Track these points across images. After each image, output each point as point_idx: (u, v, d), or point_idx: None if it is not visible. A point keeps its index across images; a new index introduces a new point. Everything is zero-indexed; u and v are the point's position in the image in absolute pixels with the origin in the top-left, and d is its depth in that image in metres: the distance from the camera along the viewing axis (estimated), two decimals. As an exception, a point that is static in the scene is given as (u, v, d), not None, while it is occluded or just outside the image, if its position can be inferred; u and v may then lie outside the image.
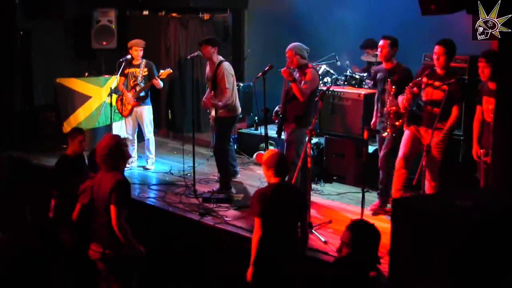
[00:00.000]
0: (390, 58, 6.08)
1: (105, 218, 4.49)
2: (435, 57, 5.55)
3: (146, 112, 7.86)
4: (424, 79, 5.59)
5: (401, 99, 5.62)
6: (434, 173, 5.57)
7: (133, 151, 7.96)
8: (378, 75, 6.22)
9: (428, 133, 5.44)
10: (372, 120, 6.34)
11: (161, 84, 7.74)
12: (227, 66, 6.77)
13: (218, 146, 6.90)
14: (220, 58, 6.84)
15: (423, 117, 5.65)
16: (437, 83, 5.53)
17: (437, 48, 5.53)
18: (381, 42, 6.09)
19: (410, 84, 5.58)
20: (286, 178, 6.15)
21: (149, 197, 6.77)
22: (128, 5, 10.02)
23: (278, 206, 4.40)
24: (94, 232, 4.62)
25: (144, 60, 7.80)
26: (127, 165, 7.95)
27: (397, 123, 5.66)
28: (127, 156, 4.75)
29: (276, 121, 6.37)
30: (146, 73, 7.75)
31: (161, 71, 7.61)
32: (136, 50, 7.70)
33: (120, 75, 7.78)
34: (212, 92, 6.70)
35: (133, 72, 7.78)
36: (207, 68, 6.96)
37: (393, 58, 6.10)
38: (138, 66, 7.77)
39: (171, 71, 7.69)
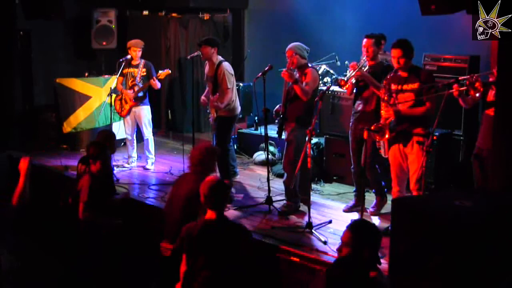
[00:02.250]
0: (375, 57, 5.92)
1: (178, 216, 4.66)
2: (394, 60, 5.35)
3: (145, 112, 7.86)
4: (393, 86, 5.40)
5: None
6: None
7: (133, 151, 7.96)
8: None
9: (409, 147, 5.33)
10: None
11: (158, 85, 7.70)
12: (227, 66, 6.77)
13: (220, 146, 6.91)
14: (220, 58, 6.83)
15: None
16: (405, 87, 5.35)
17: (394, 52, 5.32)
18: (364, 41, 5.90)
19: (382, 91, 5.43)
20: (285, 177, 6.24)
21: (149, 197, 6.77)
22: (128, 5, 10.03)
23: (205, 246, 4.08)
24: (166, 228, 4.80)
25: (143, 61, 7.79)
26: (127, 165, 7.95)
27: (386, 136, 5.36)
28: (214, 170, 5.04)
29: (276, 120, 6.37)
30: (145, 73, 7.75)
31: (160, 71, 7.60)
32: (135, 50, 7.69)
33: (119, 75, 7.78)
34: (217, 94, 6.69)
35: (131, 72, 7.78)
36: (206, 68, 6.96)
37: (378, 56, 5.98)
38: (136, 66, 7.77)
39: (170, 71, 7.68)
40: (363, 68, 5.87)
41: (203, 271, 4.10)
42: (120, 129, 8.16)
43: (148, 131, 7.88)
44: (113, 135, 6.49)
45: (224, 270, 4.11)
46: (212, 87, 6.81)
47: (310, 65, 6.23)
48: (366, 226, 3.73)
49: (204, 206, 4.18)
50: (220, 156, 6.90)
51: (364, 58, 5.91)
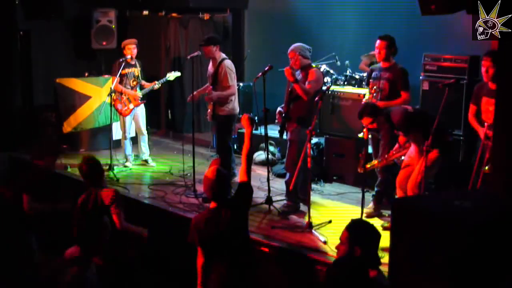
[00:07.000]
0: (388, 59, 5.96)
1: None
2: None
3: (143, 110, 8.01)
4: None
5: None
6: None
7: (130, 149, 7.98)
8: (374, 73, 6.15)
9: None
10: None
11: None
12: (229, 64, 6.83)
13: (222, 145, 6.92)
14: (223, 55, 6.91)
15: None
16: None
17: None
18: (377, 43, 5.94)
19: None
20: (287, 177, 6.23)
21: (148, 197, 6.77)
22: (128, 5, 10.03)
23: (215, 234, 4.20)
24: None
25: (135, 59, 7.84)
26: (128, 164, 7.94)
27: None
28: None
29: (277, 121, 6.36)
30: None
31: (171, 73, 7.80)
32: (130, 48, 7.69)
33: (118, 76, 7.79)
34: (211, 87, 6.78)
35: (132, 72, 7.79)
36: (210, 65, 6.99)
37: (391, 58, 6.02)
38: (134, 65, 7.79)
39: (180, 74, 7.94)
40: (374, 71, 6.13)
41: (217, 261, 4.22)
42: (119, 130, 8.15)
43: (145, 128, 8.03)
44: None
45: (236, 256, 4.24)
46: (212, 83, 6.85)
47: (313, 65, 6.24)
48: (365, 226, 3.73)
49: (208, 197, 4.35)
50: (222, 155, 6.93)
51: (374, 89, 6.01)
